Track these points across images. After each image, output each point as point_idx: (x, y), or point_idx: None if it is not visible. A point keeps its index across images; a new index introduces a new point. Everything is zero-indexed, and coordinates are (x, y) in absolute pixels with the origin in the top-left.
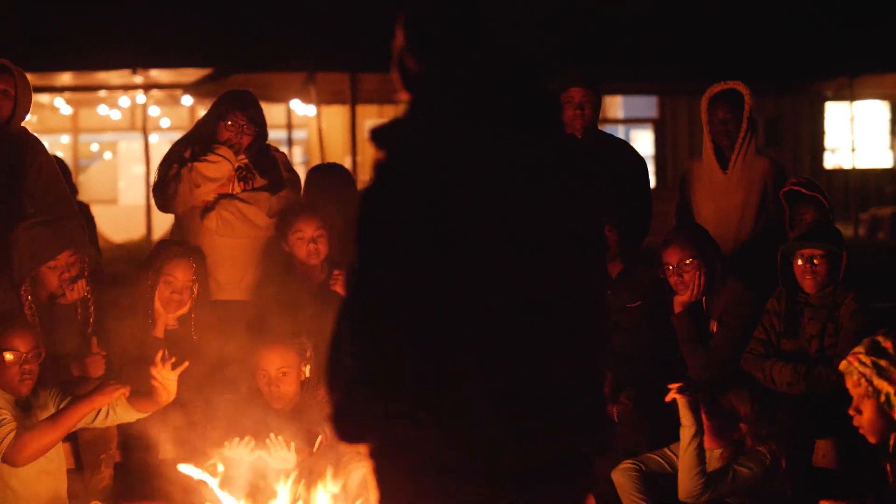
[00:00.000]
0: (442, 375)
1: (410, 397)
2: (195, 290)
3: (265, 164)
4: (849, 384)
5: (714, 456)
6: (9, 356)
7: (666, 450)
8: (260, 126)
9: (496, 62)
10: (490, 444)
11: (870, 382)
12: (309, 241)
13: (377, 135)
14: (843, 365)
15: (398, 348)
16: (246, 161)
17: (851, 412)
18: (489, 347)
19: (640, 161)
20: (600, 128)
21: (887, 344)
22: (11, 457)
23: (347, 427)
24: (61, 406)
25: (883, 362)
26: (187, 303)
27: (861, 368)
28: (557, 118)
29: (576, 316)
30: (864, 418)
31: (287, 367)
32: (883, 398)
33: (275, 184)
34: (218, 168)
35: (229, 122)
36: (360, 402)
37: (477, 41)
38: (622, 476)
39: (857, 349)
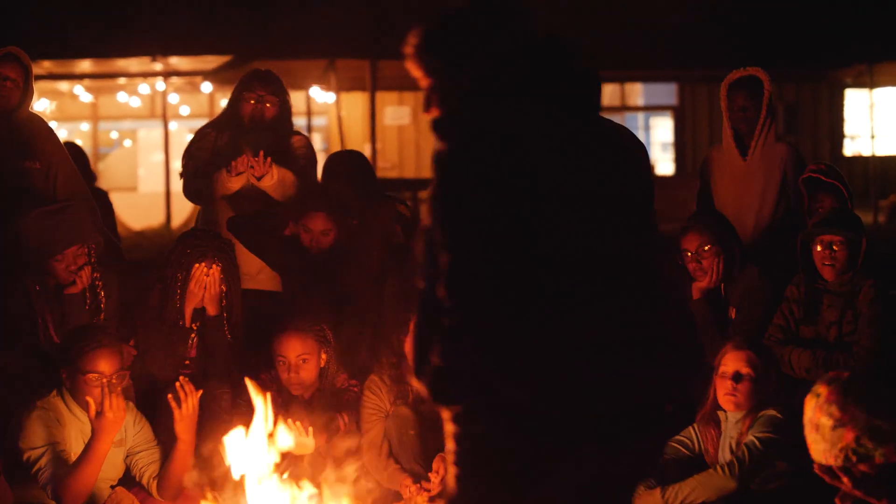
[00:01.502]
0: (533, 327)
1: (509, 352)
2: (224, 288)
3: (284, 150)
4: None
5: (732, 422)
6: (92, 378)
7: (682, 435)
8: (283, 101)
9: (539, 47)
10: (586, 393)
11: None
12: (319, 234)
13: (439, 126)
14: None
15: (492, 304)
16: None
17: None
18: (572, 298)
19: (641, 147)
20: (620, 115)
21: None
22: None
23: (448, 387)
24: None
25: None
26: (215, 300)
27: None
28: (599, 95)
29: (639, 272)
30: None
31: (307, 354)
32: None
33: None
34: (239, 180)
35: (251, 96)
36: (460, 359)
37: (518, 28)
38: None
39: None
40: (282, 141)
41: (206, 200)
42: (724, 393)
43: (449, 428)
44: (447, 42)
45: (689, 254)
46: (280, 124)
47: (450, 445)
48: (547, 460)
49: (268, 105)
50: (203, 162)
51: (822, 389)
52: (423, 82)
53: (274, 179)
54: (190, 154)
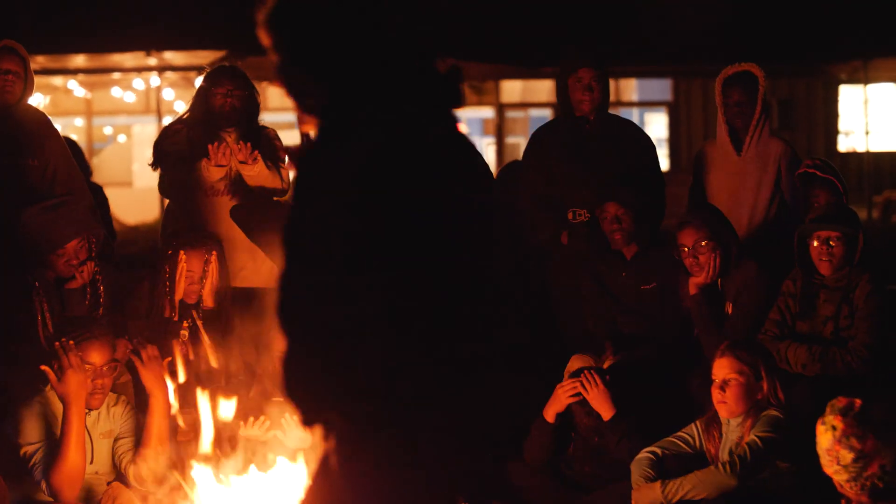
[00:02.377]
0: (372, 347)
1: (364, 376)
2: (216, 276)
3: (259, 142)
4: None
5: (733, 425)
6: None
7: (684, 431)
8: (250, 95)
9: (396, 50)
10: (428, 412)
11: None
12: None
13: (294, 156)
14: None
15: (325, 326)
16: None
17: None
18: (411, 316)
19: (650, 143)
20: (614, 111)
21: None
22: (58, 495)
23: (303, 409)
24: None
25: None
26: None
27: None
28: (459, 95)
29: (485, 297)
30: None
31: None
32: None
33: (274, 160)
34: (220, 171)
35: (219, 90)
36: (316, 378)
37: (377, 31)
38: (634, 466)
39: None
40: (253, 134)
41: (189, 192)
42: (716, 402)
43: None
44: (311, 54)
45: (686, 249)
46: (250, 118)
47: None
48: (393, 480)
49: (235, 97)
50: (180, 157)
51: (837, 422)
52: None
53: (258, 166)
54: (162, 150)
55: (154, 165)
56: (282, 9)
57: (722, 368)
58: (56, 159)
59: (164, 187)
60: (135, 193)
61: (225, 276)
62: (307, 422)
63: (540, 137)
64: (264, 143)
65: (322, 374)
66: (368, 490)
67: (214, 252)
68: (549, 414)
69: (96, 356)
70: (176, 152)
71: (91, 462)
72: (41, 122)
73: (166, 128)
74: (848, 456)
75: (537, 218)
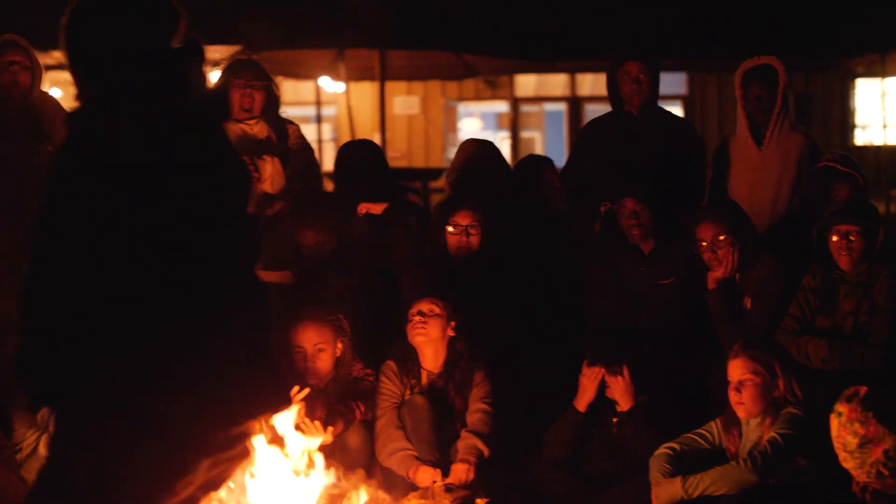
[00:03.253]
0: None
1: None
2: None
3: (281, 135)
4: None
5: (752, 424)
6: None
7: (704, 428)
8: (268, 87)
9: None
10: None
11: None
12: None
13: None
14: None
15: (68, 317)
16: (265, 135)
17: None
18: (160, 312)
19: (697, 140)
20: None
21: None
22: None
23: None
24: None
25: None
26: None
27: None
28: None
29: (233, 291)
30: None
31: (323, 344)
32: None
33: (283, 158)
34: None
35: (238, 82)
36: (46, 365)
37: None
38: (652, 461)
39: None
40: (275, 127)
41: None
42: (733, 403)
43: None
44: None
45: (704, 243)
46: (269, 110)
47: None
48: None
49: (256, 90)
50: None
51: (842, 408)
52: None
53: (267, 175)
54: None
55: None
56: (69, 20)
57: (736, 369)
58: None
59: None
60: None
61: None
62: (35, 405)
63: (588, 130)
64: (284, 137)
65: (56, 359)
66: (118, 462)
67: None
68: (581, 404)
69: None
70: None
71: None
72: (54, 107)
73: None
74: (853, 441)
75: (573, 209)
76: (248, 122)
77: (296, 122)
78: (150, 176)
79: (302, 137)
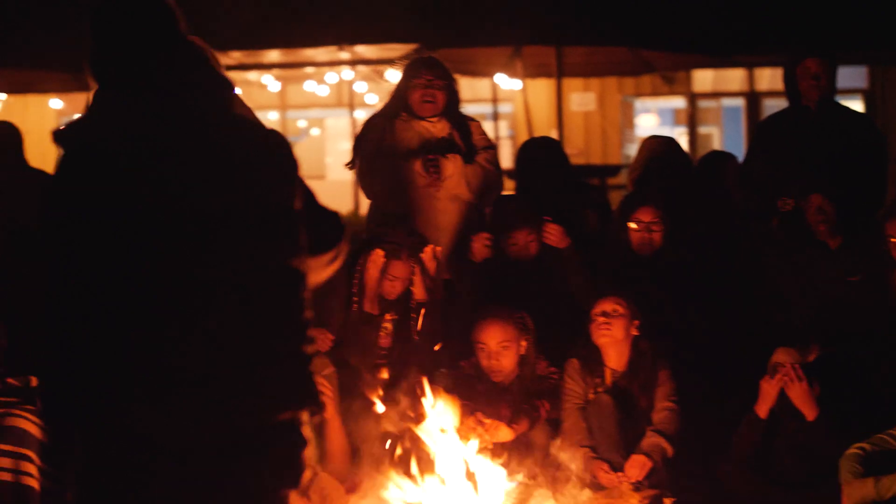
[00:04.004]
0: (145, 353)
1: (122, 374)
2: (415, 281)
3: (463, 130)
4: None
5: None
6: None
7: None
8: (450, 85)
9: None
10: (194, 417)
11: None
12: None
13: (59, 137)
14: None
15: (83, 325)
16: (447, 133)
17: None
18: (164, 320)
19: (878, 136)
20: None
21: None
22: None
23: (62, 404)
24: None
25: None
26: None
27: None
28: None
29: (259, 287)
30: None
31: (507, 342)
32: None
33: (469, 153)
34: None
35: (419, 82)
36: (74, 376)
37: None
38: (842, 462)
39: None
40: (457, 125)
41: (396, 184)
42: None
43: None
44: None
45: (894, 240)
46: (451, 108)
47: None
48: (147, 482)
49: (437, 89)
50: (370, 154)
51: None
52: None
53: (449, 173)
54: (362, 146)
55: (352, 164)
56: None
57: None
58: None
59: (366, 182)
60: (328, 185)
61: (438, 270)
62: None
63: (766, 126)
64: (469, 137)
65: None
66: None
67: (420, 254)
68: (762, 410)
69: None
70: (375, 143)
71: None
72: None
73: (366, 121)
74: None
75: (750, 204)
76: (431, 119)
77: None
78: (172, 175)
79: (485, 134)
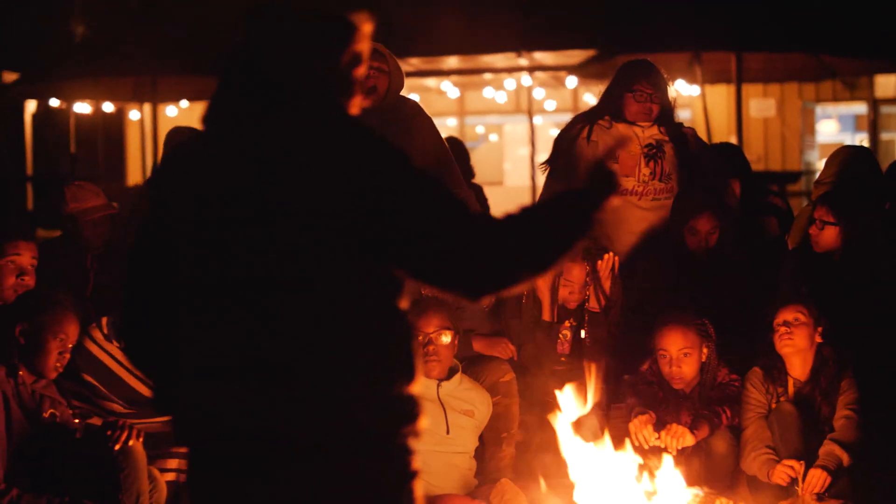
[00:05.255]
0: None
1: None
2: (591, 285)
3: (676, 138)
4: None
5: None
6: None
7: None
8: (664, 93)
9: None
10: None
11: None
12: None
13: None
14: None
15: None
16: (656, 138)
17: None
18: (201, 321)
19: None
20: None
21: None
22: None
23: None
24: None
25: None
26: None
27: None
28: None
29: (274, 293)
30: None
31: (689, 348)
32: None
33: (685, 164)
34: (621, 138)
35: (642, 96)
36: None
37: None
38: None
39: None
40: (670, 132)
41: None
42: None
43: None
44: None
45: None
46: (664, 116)
47: None
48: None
49: (654, 103)
50: (561, 154)
51: None
52: None
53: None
54: (561, 147)
55: (550, 163)
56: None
57: None
58: (430, 144)
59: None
60: (506, 192)
61: (615, 284)
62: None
63: None
64: (680, 141)
65: None
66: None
67: (596, 262)
68: None
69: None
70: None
71: (448, 433)
72: (408, 107)
73: (568, 125)
74: None
75: None
76: (642, 124)
77: None
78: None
79: (699, 139)
